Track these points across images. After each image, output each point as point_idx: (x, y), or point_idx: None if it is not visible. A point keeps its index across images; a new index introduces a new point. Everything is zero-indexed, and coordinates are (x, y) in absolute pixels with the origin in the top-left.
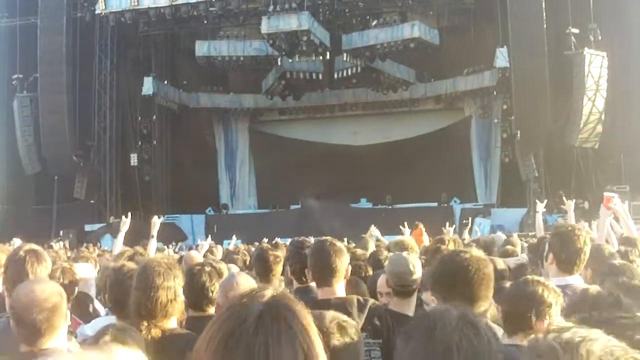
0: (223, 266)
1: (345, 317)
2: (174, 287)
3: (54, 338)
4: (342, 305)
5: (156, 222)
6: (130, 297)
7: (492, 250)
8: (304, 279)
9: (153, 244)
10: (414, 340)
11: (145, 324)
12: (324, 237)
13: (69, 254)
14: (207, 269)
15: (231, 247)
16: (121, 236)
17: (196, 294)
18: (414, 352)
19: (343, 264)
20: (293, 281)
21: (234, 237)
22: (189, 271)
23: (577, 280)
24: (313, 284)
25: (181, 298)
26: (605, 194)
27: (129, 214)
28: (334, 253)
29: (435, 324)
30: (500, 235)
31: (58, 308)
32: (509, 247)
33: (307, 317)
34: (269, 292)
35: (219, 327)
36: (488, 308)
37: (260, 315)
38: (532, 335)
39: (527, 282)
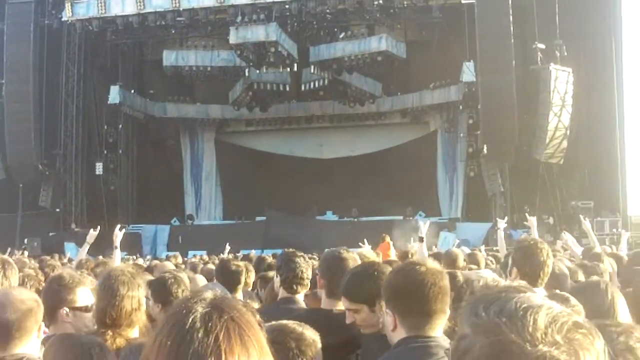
0: (184, 275)
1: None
2: (137, 296)
3: (26, 343)
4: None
5: (118, 233)
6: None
7: (456, 264)
8: (295, 288)
9: (117, 254)
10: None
11: (110, 333)
12: (337, 248)
13: (32, 262)
14: (174, 277)
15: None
16: (86, 247)
17: (167, 302)
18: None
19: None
20: (281, 291)
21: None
22: (159, 280)
23: (540, 293)
24: (298, 296)
25: (144, 307)
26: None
27: (98, 227)
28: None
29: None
30: (465, 250)
31: (33, 313)
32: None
33: (249, 315)
34: (209, 295)
35: (167, 333)
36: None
37: (207, 316)
38: (469, 303)
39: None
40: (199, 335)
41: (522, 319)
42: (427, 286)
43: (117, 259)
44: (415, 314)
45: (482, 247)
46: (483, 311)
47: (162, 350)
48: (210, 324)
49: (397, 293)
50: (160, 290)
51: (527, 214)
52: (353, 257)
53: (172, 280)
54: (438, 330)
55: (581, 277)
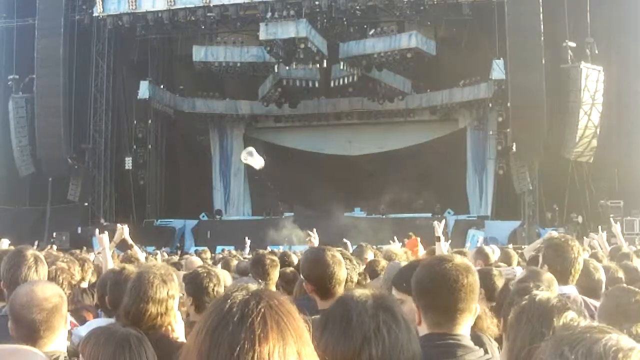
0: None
1: None
2: (165, 301)
3: (53, 341)
4: None
5: (123, 231)
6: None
7: (489, 261)
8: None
9: (138, 251)
10: (328, 331)
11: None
12: (322, 246)
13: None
14: (207, 272)
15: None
16: (113, 247)
17: (199, 297)
18: (329, 343)
19: (344, 274)
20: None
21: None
22: (192, 275)
23: (572, 290)
24: None
25: (174, 311)
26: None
27: (126, 227)
28: (334, 263)
29: (351, 312)
30: (493, 247)
31: (58, 309)
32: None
33: (290, 305)
34: (252, 286)
35: (205, 319)
36: (472, 320)
37: (245, 302)
38: (552, 344)
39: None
40: (235, 320)
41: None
42: (449, 282)
43: (141, 256)
44: (437, 310)
45: (511, 246)
46: (569, 352)
47: (199, 335)
48: (247, 310)
49: (421, 287)
50: (193, 284)
51: (611, 219)
52: (332, 254)
53: (205, 274)
54: (462, 328)
55: (621, 274)
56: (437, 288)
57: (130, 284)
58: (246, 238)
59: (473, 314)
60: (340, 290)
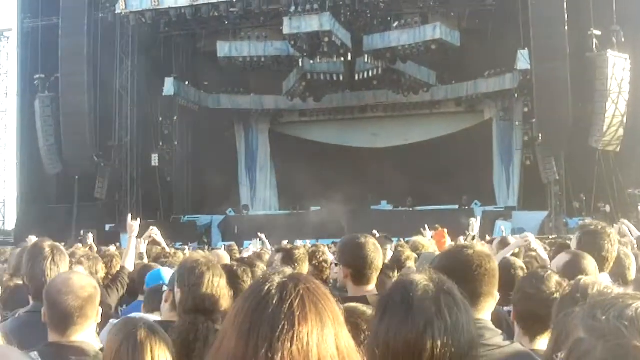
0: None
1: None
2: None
3: (85, 329)
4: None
5: (151, 232)
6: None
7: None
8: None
9: (161, 243)
10: (388, 316)
11: (202, 318)
12: (358, 234)
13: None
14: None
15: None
16: (134, 242)
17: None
18: (390, 328)
19: (380, 261)
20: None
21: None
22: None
23: (606, 279)
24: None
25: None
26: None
27: (138, 218)
28: (373, 250)
29: (412, 296)
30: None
31: (93, 299)
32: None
33: (325, 288)
34: (288, 270)
35: (244, 301)
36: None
37: (283, 285)
38: (586, 308)
39: (541, 280)
40: (274, 301)
41: None
42: (472, 267)
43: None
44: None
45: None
46: (602, 315)
47: (238, 317)
48: (285, 292)
49: (444, 274)
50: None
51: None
52: (372, 241)
53: (242, 270)
54: (485, 313)
55: None
56: (460, 273)
57: (205, 275)
58: (259, 234)
59: (495, 299)
60: (374, 277)
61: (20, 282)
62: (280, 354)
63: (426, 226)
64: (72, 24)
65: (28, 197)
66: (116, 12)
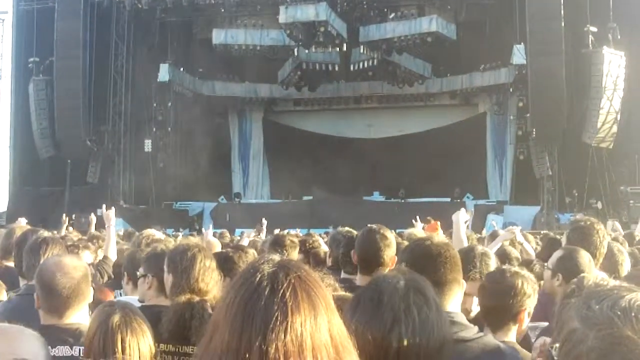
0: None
1: None
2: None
3: (79, 310)
4: None
5: (109, 214)
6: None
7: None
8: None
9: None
10: (359, 311)
11: (197, 298)
12: (372, 226)
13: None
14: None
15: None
16: (113, 231)
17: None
18: (360, 323)
19: (390, 254)
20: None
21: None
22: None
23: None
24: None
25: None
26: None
27: (112, 207)
28: (383, 243)
29: (383, 293)
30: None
31: (86, 279)
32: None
33: (315, 274)
34: (277, 257)
35: (235, 293)
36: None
37: (274, 274)
38: (582, 298)
39: (504, 274)
40: (266, 292)
41: (637, 315)
42: (432, 256)
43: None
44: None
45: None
46: (596, 305)
47: (230, 309)
48: (276, 282)
49: (410, 267)
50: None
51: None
52: (388, 233)
53: (237, 255)
54: (453, 301)
55: None
56: (422, 265)
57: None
58: (263, 219)
59: (461, 286)
60: (382, 270)
61: (10, 264)
62: (274, 346)
63: (417, 218)
64: (67, 7)
65: (20, 180)
66: None
